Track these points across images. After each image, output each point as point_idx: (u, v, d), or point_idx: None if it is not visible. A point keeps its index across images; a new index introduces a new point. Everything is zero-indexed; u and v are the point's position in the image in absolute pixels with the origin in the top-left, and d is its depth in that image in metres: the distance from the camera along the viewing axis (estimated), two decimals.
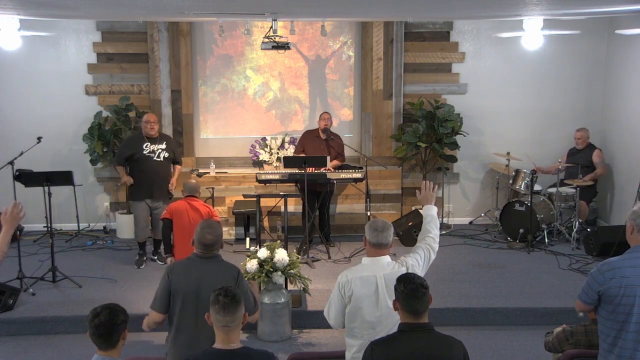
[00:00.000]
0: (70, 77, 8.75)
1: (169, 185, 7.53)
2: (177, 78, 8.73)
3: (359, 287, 3.69)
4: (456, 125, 8.59)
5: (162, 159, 7.41)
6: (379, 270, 3.70)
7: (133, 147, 7.44)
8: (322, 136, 8.06)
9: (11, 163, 7.17)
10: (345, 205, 8.73)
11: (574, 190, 8.17)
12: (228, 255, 7.96)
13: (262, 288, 5.92)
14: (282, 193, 7.79)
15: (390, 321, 3.63)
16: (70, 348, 5.84)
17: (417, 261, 3.83)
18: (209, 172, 8.66)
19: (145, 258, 7.59)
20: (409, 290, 3.10)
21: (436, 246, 3.98)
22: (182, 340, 3.85)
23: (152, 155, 7.36)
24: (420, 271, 3.77)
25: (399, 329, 3.15)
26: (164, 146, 7.43)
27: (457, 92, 9.04)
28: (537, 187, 8.42)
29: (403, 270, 3.64)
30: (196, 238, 3.94)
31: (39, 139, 7.57)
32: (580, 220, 8.21)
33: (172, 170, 7.67)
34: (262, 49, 7.38)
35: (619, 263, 3.51)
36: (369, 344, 3.16)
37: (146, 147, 7.36)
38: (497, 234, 8.62)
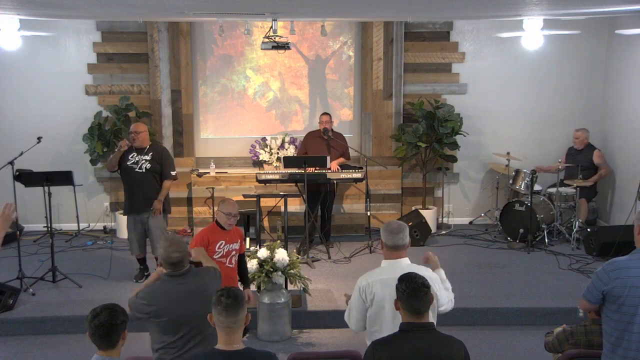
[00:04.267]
0: (70, 77, 8.75)
1: (155, 202, 6.79)
2: (177, 78, 8.73)
3: (380, 290, 3.65)
4: (456, 125, 8.58)
5: (144, 170, 6.76)
6: (400, 273, 3.67)
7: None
8: (324, 137, 8.06)
9: (11, 163, 7.15)
10: (345, 205, 8.72)
11: (574, 190, 8.17)
12: None
13: (262, 288, 5.92)
14: (282, 193, 7.79)
15: None
16: (70, 348, 5.84)
17: (440, 291, 3.78)
18: (209, 172, 8.66)
19: (146, 273, 7.03)
20: (411, 289, 3.10)
21: (452, 304, 3.89)
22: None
23: (135, 166, 6.78)
24: (438, 303, 3.73)
25: (400, 329, 3.15)
26: (148, 157, 6.79)
27: (457, 92, 9.04)
28: (537, 187, 8.42)
29: (423, 273, 3.59)
30: (162, 259, 3.84)
31: (39, 139, 7.56)
32: (580, 220, 8.21)
33: (160, 184, 6.90)
34: (262, 49, 7.39)
35: (625, 263, 3.49)
36: (370, 343, 3.16)
37: (131, 157, 6.81)
38: (497, 234, 8.62)
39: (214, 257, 4.95)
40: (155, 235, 6.87)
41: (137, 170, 6.80)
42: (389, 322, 3.65)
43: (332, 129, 8.12)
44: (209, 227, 5.23)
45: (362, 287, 3.72)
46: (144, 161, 6.81)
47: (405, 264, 3.73)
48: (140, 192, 6.82)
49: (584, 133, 8.57)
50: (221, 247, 5.10)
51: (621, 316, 3.46)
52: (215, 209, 8.31)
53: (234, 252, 5.20)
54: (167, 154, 7.11)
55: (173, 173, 7.01)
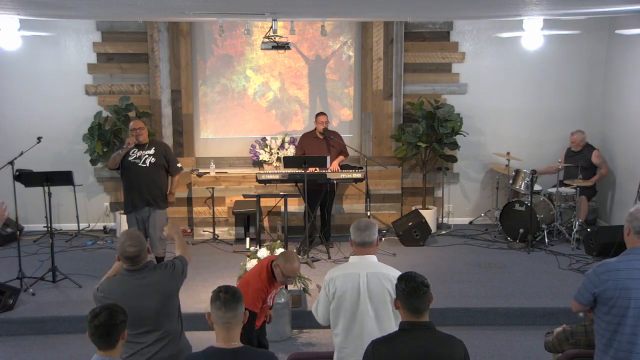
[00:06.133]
0: (70, 77, 8.75)
1: (168, 196, 7.00)
2: (177, 78, 8.73)
3: (342, 284, 3.75)
4: (456, 125, 8.58)
5: (147, 164, 6.83)
6: (364, 269, 3.76)
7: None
8: (321, 136, 8.06)
9: (11, 163, 7.16)
10: (345, 205, 8.73)
11: (573, 190, 8.17)
12: (228, 255, 7.97)
13: None
14: (282, 193, 7.79)
15: (366, 322, 3.70)
16: (70, 348, 5.84)
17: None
18: (209, 172, 8.66)
19: None
20: (410, 288, 3.10)
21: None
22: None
23: (138, 161, 6.84)
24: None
25: (400, 328, 3.15)
26: (152, 152, 6.88)
27: (457, 92, 9.04)
28: (537, 187, 8.42)
29: (386, 271, 3.74)
30: (119, 253, 3.81)
31: (39, 139, 7.56)
32: (580, 220, 8.21)
33: (163, 178, 7.00)
34: (262, 49, 7.39)
35: (615, 265, 3.51)
36: (369, 343, 3.16)
37: (133, 153, 6.86)
38: (497, 234, 8.62)
39: (263, 305, 4.69)
40: (155, 233, 6.88)
41: (140, 165, 6.85)
42: (349, 316, 3.74)
43: (327, 128, 8.11)
44: (266, 279, 4.64)
45: (327, 281, 3.82)
46: (147, 156, 6.88)
47: (371, 261, 3.80)
48: (143, 187, 6.85)
49: (580, 135, 8.54)
50: (273, 296, 4.84)
51: (612, 317, 3.47)
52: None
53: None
54: (169, 147, 7.31)
55: (179, 165, 7.18)
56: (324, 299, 3.85)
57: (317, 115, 8.16)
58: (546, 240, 8.11)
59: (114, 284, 3.85)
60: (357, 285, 3.72)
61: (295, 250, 7.30)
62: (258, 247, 6.68)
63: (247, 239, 8.33)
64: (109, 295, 3.78)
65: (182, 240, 4.25)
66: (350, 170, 8.02)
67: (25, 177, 7.12)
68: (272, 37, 7.23)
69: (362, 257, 3.81)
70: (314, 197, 7.87)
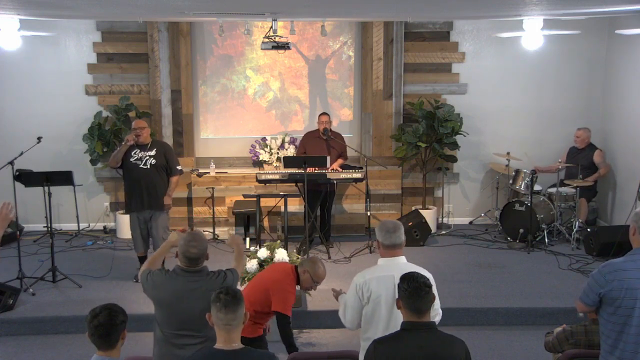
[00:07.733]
0: (70, 77, 8.75)
1: (165, 198, 6.92)
2: (177, 78, 8.73)
3: (377, 287, 3.68)
4: (456, 125, 8.58)
5: (148, 166, 6.79)
6: (397, 271, 3.67)
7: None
8: (323, 137, 8.06)
9: (11, 163, 7.16)
10: (345, 205, 8.73)
11: (574, 190, 8.17)
12: (228, 255, 7.96)
13: None
14: (282, 193, 7.79)
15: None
16: (70, 348, 5.84)
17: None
18: (209, 172, 8.66)
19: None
20: (412, 288, 3.10)
21: (440, 316, 3.91)
22: (160, 350, 3.84)
23: (139, 162, 6.80)
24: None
25: (401, 327, 3.15)
26: (153, 153, 6.84)
27: (457, 92, 9.04)
28: (537, 187, 8.42)
29: (422, 272, 3.60)
30: (180, 251, 3.78)
31: (39, 139, 7.56)
32: (580, 220, 8.21)
33: (164, 179, 6.96)
34: (262, 49, 7.39)
35: (620, 265, 3.49)
36: (371, 342, 3.17)
37: (134, 153, 6.83)
38: (497, 234, 8.62)
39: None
40: (158, 233, 6.88)
41: (141, 166, 6.83)
42: (385, 319, 3.68)
43: (330, 129, 8.12)
44: (293, 280, 4.82)
45: (359, 285, 3.73)
46: (148, 157, 6.85)
47: (402, 262, 3.75)
48: (144, 188, 6.83)
49: (585, 132, 8.57)
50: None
51: (618, 318, 3.45)
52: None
53: None
54: (170, 148, 7.22)
55: (179, 168, 7.11)
56: (356, 303, 3.75)
57: (319, 115, 8.18)
58: (546, 240, 8.11)
59: (166, 279, 3.80)
60: (393, 288, 3.62)
61: (295, 250, 7.30)
62: (258, 247, 6.68)
63: (247, 239, 8.32)
64: (156, 287, 3.77)
65: (241, 253, 4.25)
66: (350, 170, 8.02)
67: (25, 177, 7.12)
68: (272, 37, 7.22)
69: (392, 259, 3.75)
70: (314, 197, 7.87)
